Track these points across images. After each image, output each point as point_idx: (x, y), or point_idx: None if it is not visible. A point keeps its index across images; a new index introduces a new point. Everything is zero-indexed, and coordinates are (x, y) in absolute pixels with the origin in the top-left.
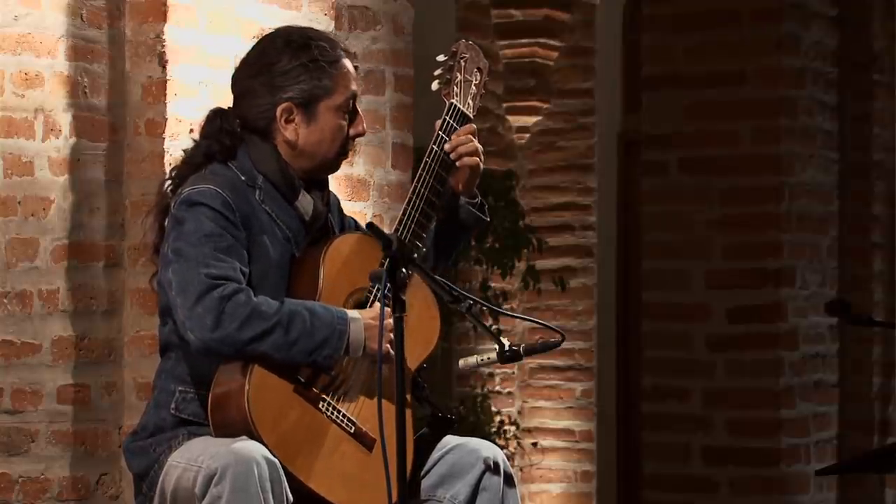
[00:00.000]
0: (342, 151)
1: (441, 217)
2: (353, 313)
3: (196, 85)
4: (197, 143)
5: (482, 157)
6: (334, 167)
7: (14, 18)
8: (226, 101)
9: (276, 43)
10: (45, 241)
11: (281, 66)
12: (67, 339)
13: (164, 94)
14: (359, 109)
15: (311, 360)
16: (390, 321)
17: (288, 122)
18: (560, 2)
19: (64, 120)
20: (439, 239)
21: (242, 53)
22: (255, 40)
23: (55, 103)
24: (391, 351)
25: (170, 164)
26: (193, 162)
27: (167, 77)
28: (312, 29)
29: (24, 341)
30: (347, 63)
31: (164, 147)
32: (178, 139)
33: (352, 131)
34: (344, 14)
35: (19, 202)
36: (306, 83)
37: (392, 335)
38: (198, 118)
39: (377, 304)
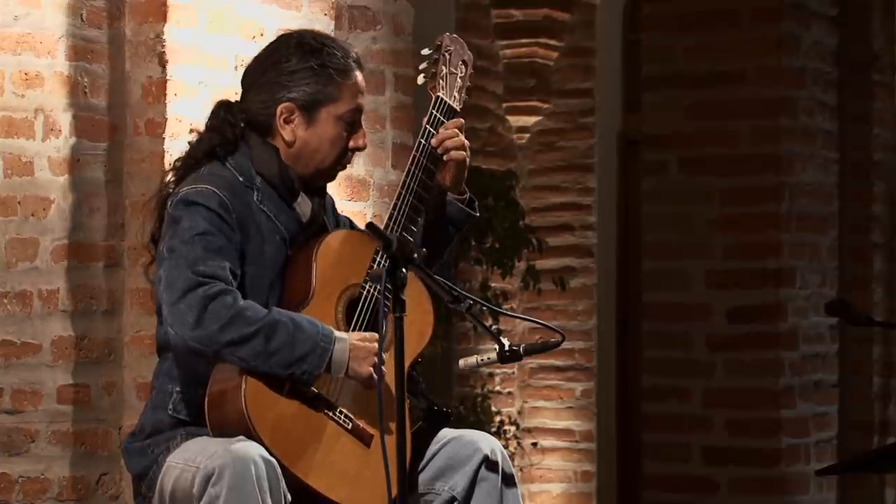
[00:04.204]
0: (339, 162)
1: (430, 215)
2: (340, 333)
3: (196, 85)
4: (200, 137)
5: (468, 151)
6: (330, 177)
7: (14, 18)
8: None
9: (289, 43)
10: (45, 241)
11: (289, 65)
12: (67, 339)
13: (164, 94)
14: (362, 124)
15: (289, 373)
16: (375, 345)
17: (287, 122)
18: (560, 2)
19: (64, 120)
20: (429, 237)
21: (242, 53)
22: (259, 39)
23: (55, 103)
24: (374, 375)
25: (170, 165)
26: (195, 156)
27: (167, 77)
28: (330, 36)
29: (24, 341)
30: (358, 76)
31: (164, 147)
32: (178, 139)
33: (351, 144)
34: (344, 14)
35: (19, 202)
36: (310, 86)
37: (376, 357)
38: (198, 118)
39: (367, 334)
